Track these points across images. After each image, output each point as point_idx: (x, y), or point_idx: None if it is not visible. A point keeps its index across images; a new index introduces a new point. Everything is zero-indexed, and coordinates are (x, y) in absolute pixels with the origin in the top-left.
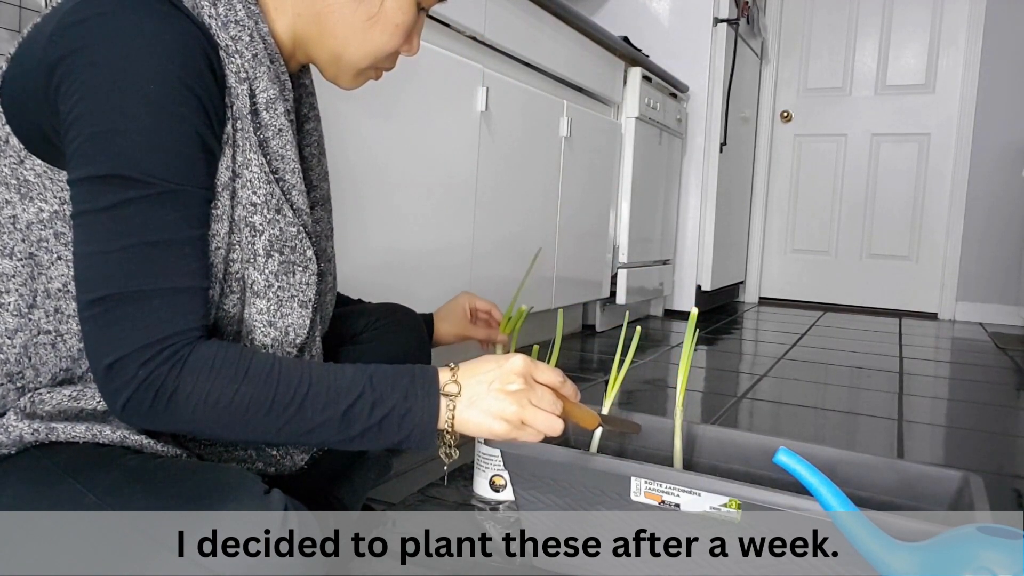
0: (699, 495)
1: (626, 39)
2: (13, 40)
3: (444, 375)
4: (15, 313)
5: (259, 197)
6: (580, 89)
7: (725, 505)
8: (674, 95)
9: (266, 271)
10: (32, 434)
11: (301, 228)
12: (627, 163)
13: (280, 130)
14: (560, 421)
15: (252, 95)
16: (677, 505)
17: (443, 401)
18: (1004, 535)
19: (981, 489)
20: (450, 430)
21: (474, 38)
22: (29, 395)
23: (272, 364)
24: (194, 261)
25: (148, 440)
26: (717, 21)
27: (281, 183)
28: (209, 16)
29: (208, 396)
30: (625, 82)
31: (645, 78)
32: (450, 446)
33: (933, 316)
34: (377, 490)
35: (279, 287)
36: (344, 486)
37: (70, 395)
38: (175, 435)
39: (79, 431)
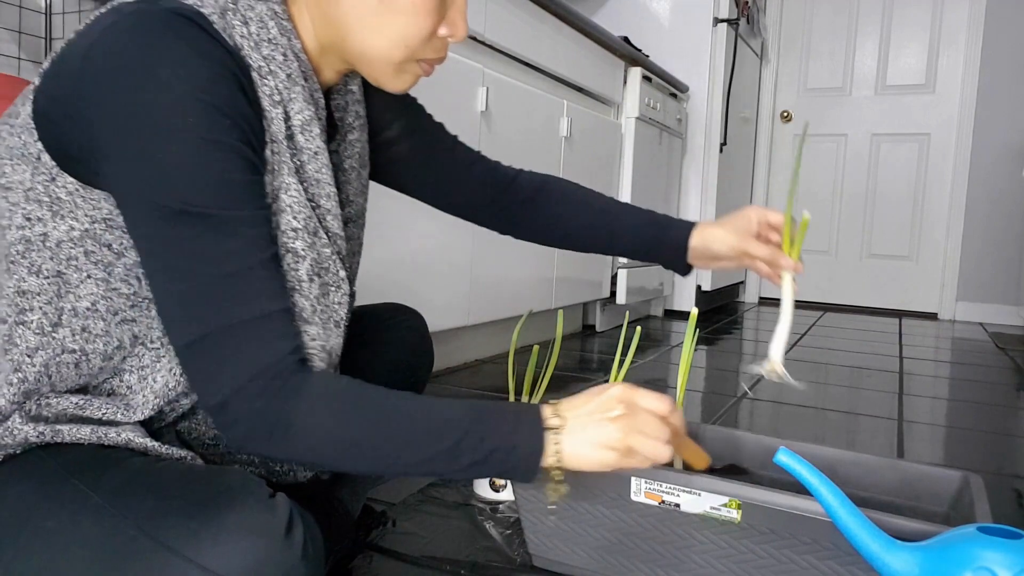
0: (699, 495)
1: (626, 39)
2: (13, 41)
3: (546, 411)
4: (37, 331)
5: (299, 222)
6: (580, 89)
7: (725, 505)
8: (674, 95)
9: (311, 296)
10: (37, 436)
11: (334, 250)
12: (627, 163)
13: (315, 153)
14: (667, 448)
15: (287, 118)
16: (677, 505)
17: (547, 435)
18: (1004, 535)
19: (981, 489)
20: (557, 465)
21: (474, 38)
22: (36, 399)
23: (383, 396)
24: (272, 283)
25: (153, 443)
26: (717, 21)
27: (316, 208)
28: (241, 36)
29: (324, 429)
30: (625, 82)
31: (645, 78)
32: (558, 481)
33: (933, 316)
34: (377, 490)
35: (321, 310)
36: (344, 487)
37: (76, 403)
38: (180, 436)
39: (84, 433)
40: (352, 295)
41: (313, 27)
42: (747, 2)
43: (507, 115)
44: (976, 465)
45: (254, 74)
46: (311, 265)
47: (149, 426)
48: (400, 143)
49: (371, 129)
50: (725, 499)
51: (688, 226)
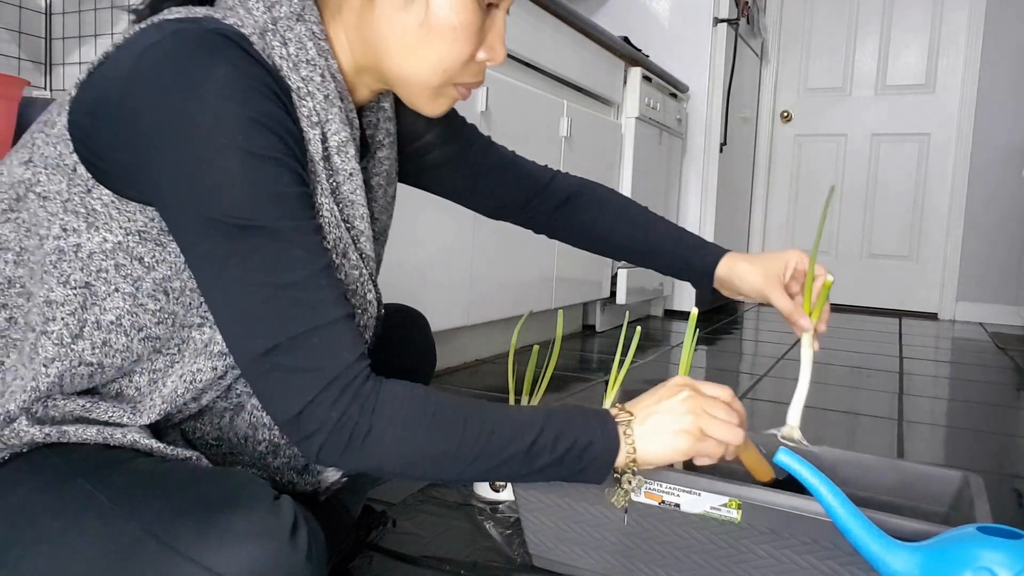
0: (699, 495)
1: (626, 39)
2: (13, 41)
3: (612, 410)
4: (56, 342)
5: (328, 243)
6: (580, 89)
7: (725, 505)
8: (674, 95)
9: None
10: (44, 437)
11: (365, 272)
12: (627, 163)
13: (351, 174)
14: (739, 430)
15: (324, 139)
16: (677, 505)
17: (620, 429)
18: (1004, 535)
19: (981, 489)
20: (631, 460)
21: None
22: (43, 401)
23: (456, 402)
24: (333, 290)
25: (158, 444)
26: (717, 21)
27: (351, 230)
28: (280, 57)
29: (403, 438)
30: (625, 82)
31: (645, 78)
32: (629, 483)
33: (933, 316)
34: (377, 490)
35: None
36: (344, 487)
37: (83, 405)
38: (186, 436)
39: (90, 433)
40: (379, 317)
41: (350, 48)
42: (747, 2)
43: (507, 115)
44: (976, 465)
45: (293, 95)
46: (343, 290)
47: (154, 425)
48: (434, 151)
49: (405, 138)
50: (725, 499)
51: (719, 253)
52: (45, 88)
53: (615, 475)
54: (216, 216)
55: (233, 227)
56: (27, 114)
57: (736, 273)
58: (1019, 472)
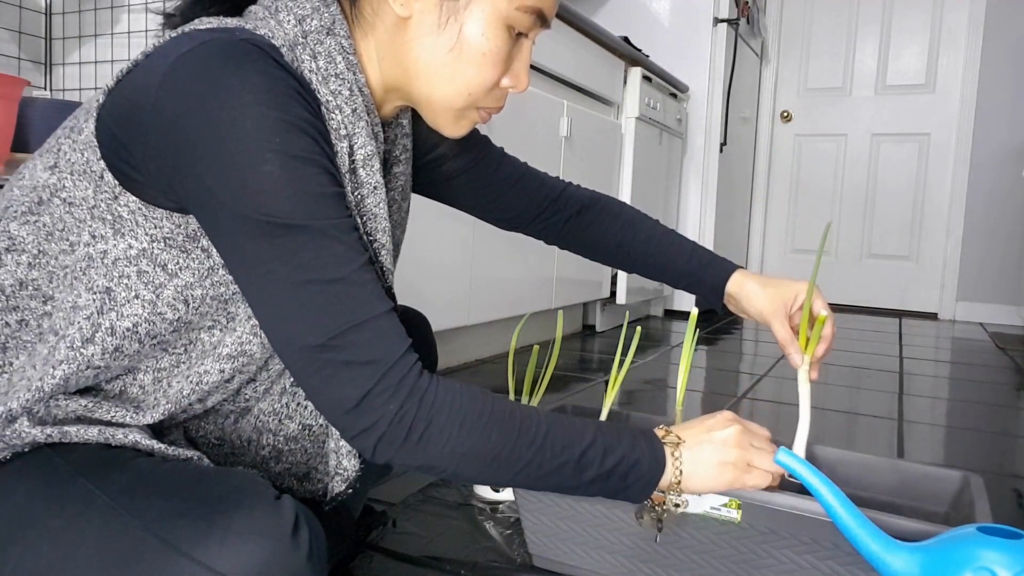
0: (699, 495)
1: (626, 39)
2: (13, 41)
3: (659, 431)
4: (69, 345)
5: None
6: (580, 89)
7: (725, 505)
8: (674, 95)
9: None
10: (45, 438)
11: (384, 286)
12: (627, 163)
13: (375, 188)
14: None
15: (351, 152)
16: (677, 505)
17: (667, 451)
18: (1004, 535)
19: (981, 489)
20: (677, 483)
21: None
22: (44, 402)
23: (510, 404)
24: (375, 285)
25: (160, 444)
26: (717, 21)
27: (373, 243)
28: (309, 71)
29: (459, 437)
30: (625, 82)
31: (645, 78)
32: (676, 506)
33: (933, 316)
34: (377, 490)
35: None
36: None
37: (86, 405)
38: (188, 435)
39: (92, 433)
40: None
41: (380, 66)
42: (747, 2)
43: (507, 115)
44: (976, 465)
45: (323, 108)
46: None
47: (157, 424)
48: (448, 162)
49: (420, 149)
50: (725, 499)
51: (729, 269)
52: (45, 88)
53: (654, 498)
54: (259, 217)
55: (276, 227)
56: (27, 114)
57: (744, 293)
58: (1019, 472)
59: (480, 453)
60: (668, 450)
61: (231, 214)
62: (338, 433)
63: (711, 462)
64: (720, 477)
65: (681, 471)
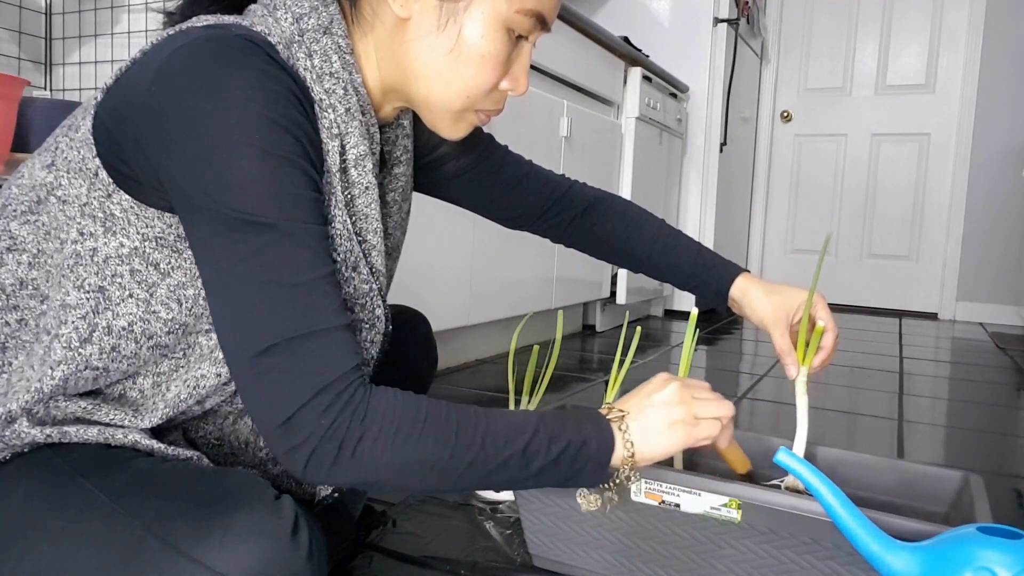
0: (699, 495)
1: (626, 39)
2: (13, 41)
3: (603, 409)
4: (66, 345)
5: (339, 255)
6: (580, 89)
7: (725, 505)
8: (674, 95)
9: None
10: (45, 438)
11: (375, 287)
12: (627, 163)
13: (367, 188)
14: (729, 403)
15: (343, 151)
16: (677, 505)
17: (614, 427)
18: (1004, 535)
19: (981, 489)
20: (631, 456)
21: None
22: (44, 403)
23: (446, 407)
24: (335, 298)
25: (159, 444)
26: (717, 21)
27: (363, 243)
28: (304, 68)
29: (394, 441)
30: (625, 82)
31: (645, 78)
32: (628, 480)
33: (933, 316)
34: None
35: None
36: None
37: (85, 407)
38: (188, 436)
39: (91, 434)
40: (387, 334)
41: (379, 67)
42: (747, 2)
43: (507, 115)
44: (976, 465)
45: (316, 107)
46: (344, 300)
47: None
48: (451, 162)
49: (422, 149)
50: (725, 499)
51: (733, 273)
52: (45, 88)
53: (613, 476)
54: (228, 211)
55: (243, 223)
56: (27, 114)
57: (747, 299)
58: (1019, 472)
59: (418, 461)
60: (615, 425)
61: (203, 206)
62: None
63: (659, 427)
64: (672, 438)
65: (632, 442)
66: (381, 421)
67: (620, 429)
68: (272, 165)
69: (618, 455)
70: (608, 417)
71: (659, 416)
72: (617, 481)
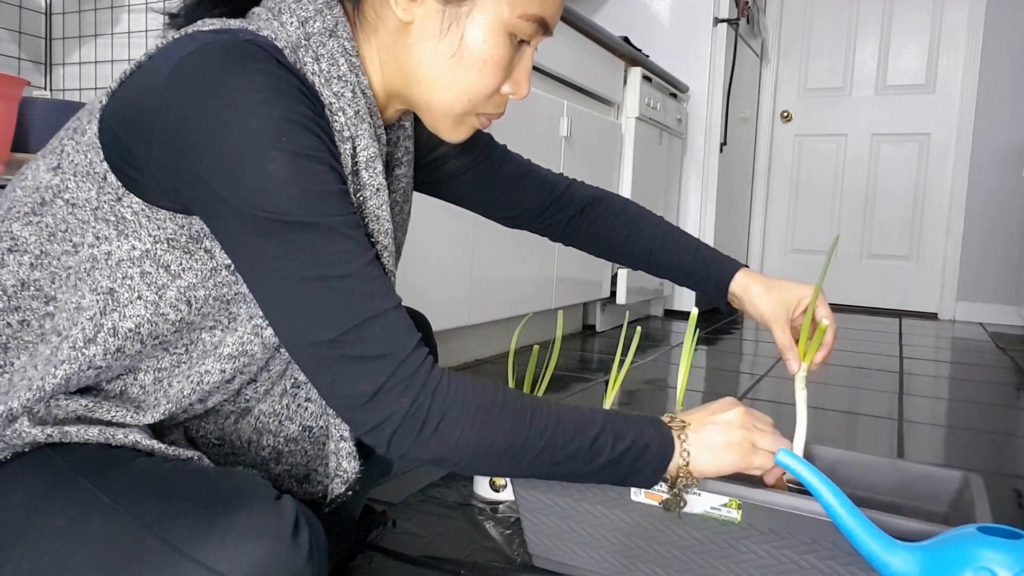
0: (699, 495)
1: (626, 39)
2: (13, 41)
3: (665, 417)
4: (72, 346)
5: None
6: (580, 89)
7: (725, 505)
8: (674, 95)
9: None
10: (46, 438)
11: None
12: (627, 163)
13: (377, 190)
14: (787, 440)
15: (354, 154)
16: (687, 486)
17: (675, 435)
18: (1004, 535)
19: (981, 489)
20: (685, 466)
21: None
22: (44, 402)
23: (520, 395)
24: (384, 280)
25: (160, 444)
26: (717, 21)
27: (375, 244)
28: (312, 73)
29: (474, 422)
30: (625, 82)
31: (645, 78)
32: (683, 487)
33: (933, 316)
34: (377, 490)
35: None
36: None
37: (86, 405)
38: (188, 435)
39: (92, 433)
40: None
41: (382, 68)
42: (747, 2)
43: (507, 115)
44: (976, 465)
45: (326, 111)
46: (389, 278)
47: (157, 423)
48: (450, 161)
49: (422, 149)
50: (725, 499)
51: (733, 268)
52: (45, 88)
53: (665, 481)
54: (266, 216)
55: (284, 225)
56: (27, 114)
57: (748, 295)
58: (1019, 472)
59: (494, 444)
60: (675, 433)
61: (238, 213)
62: (338, 435)
63: (717, 444)
64: (726, 458)
65: (688, 452)
66: (461, 402)
67: (679, 439)
68: (301, 165)
69: (674, 463)
70: (670, 425)
71: (718, 434)
72: (677, 491)
